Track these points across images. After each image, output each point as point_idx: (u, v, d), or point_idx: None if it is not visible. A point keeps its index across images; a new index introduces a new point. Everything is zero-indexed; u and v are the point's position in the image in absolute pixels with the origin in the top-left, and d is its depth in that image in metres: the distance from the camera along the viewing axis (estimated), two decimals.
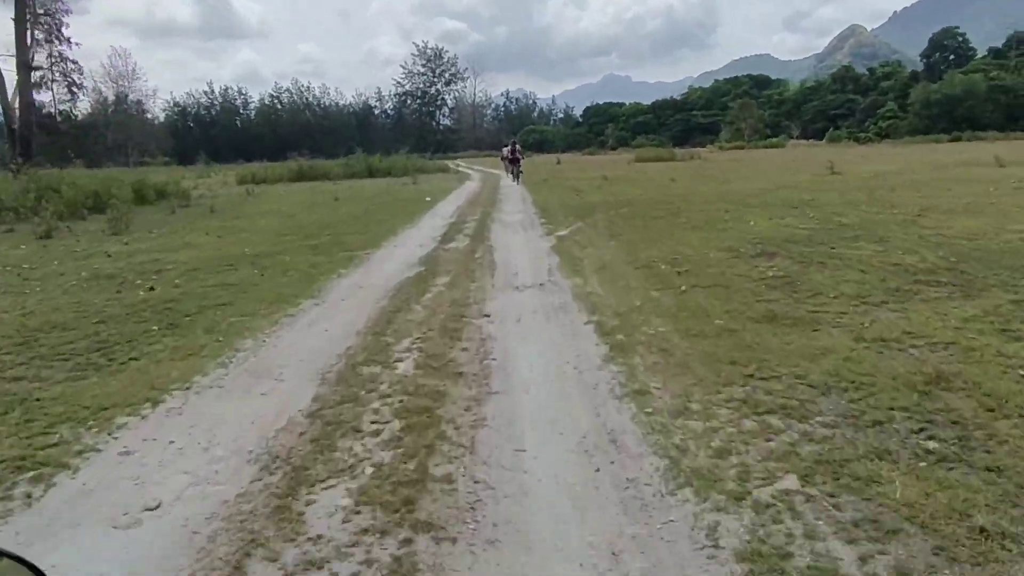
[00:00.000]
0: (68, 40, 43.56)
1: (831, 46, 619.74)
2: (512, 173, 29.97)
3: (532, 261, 9.85)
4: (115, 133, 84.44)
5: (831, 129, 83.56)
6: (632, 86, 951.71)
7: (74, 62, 46.87)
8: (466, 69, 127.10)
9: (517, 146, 31.80)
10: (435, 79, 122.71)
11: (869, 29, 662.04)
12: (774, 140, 75.87)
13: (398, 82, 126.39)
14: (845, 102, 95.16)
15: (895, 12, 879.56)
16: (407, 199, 22.16)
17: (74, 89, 53.70)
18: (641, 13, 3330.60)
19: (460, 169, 51.40)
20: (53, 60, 45.38)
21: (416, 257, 10.50)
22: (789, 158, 42.57)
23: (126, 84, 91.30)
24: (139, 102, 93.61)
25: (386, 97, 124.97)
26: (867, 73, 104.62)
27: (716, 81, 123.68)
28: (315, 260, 10.38)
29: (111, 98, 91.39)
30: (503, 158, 33.07)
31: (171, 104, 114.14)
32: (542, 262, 9.68)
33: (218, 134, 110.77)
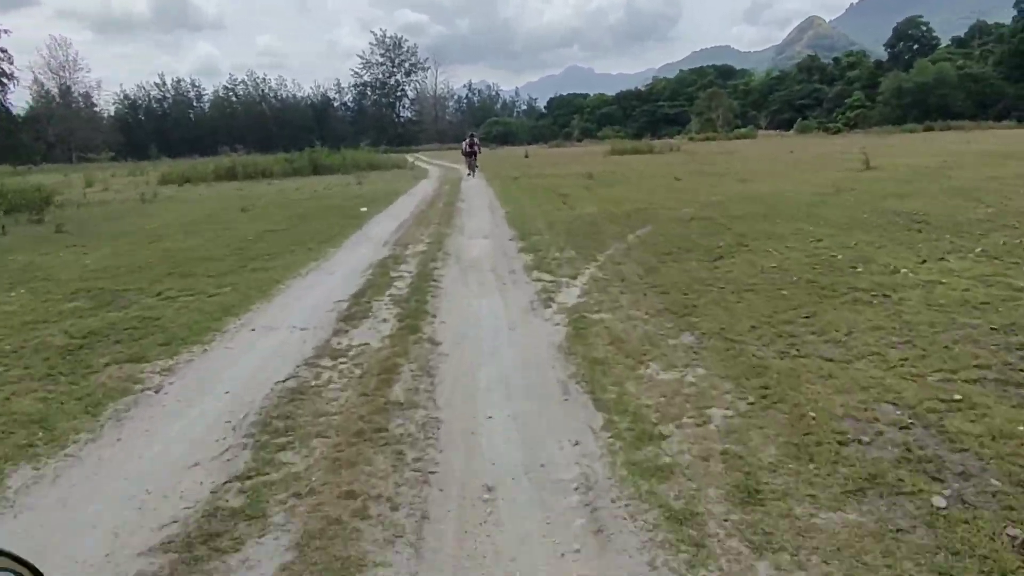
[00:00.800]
0: None
1: (790, 37, 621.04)
2: (468, 167, 28.39)
3: (533, 437, 3.76)
4: (56, 128, 76.26)
5: (800, 119, 79.23)
6: (595, 78, 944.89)
7: (3, 51, 40.33)
8: (427, 59, 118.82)
9: (475, 139, 30.31)
10: (395, 69, 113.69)
11: (827, 20, 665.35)
12: (743, 131, 71.11)
13: (356, 72, 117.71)
14: (812, 92, 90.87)
15: (852, 3, 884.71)
16: (338, 209, 16.06)
17: (3, 80, 46.74)
18: (604, 5, 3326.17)
19: (418, 163, 45.40)
20: None
21: (236, 417, 4.12)
22: (779, 149, 37.47)
23: (67, 75, 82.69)
24: (85, 95, 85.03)
25: (345, 89, 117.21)
26: (832, 63, 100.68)
27: (681, 71, 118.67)
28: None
29: (54, 91, 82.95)
30: (464, 152, 30.55)
31: (120, 97, 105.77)
32: (566, 452, 3.50)
33: (170, 128, 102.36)
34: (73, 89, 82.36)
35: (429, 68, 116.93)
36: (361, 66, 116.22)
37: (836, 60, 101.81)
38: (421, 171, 35.84)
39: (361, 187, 23.22)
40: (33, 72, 75.76)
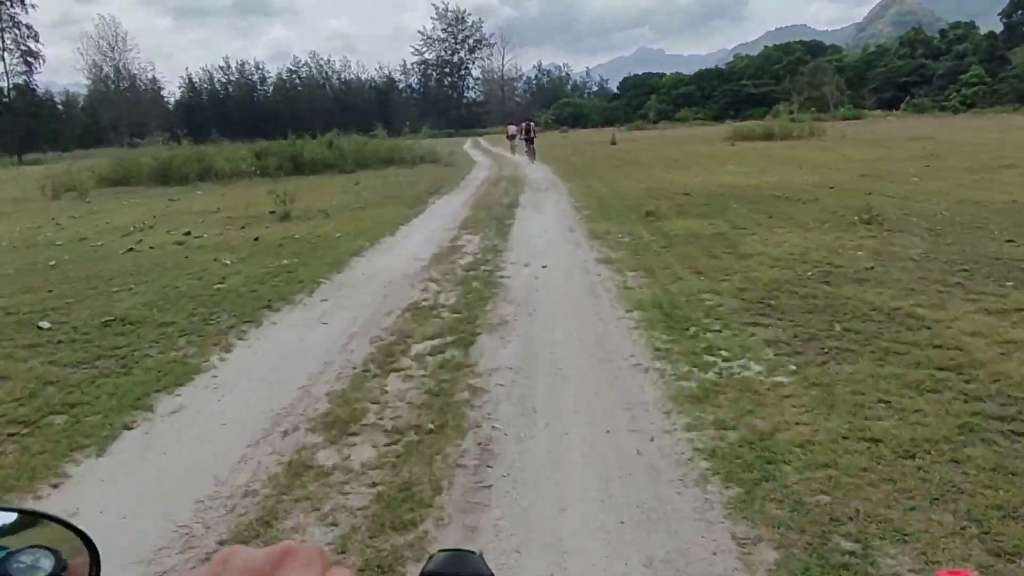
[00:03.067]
0: (22, 2, 33.85)
1: (871, 15, 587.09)
2: (528, 153, 27.75)
3: None
4: (111, 112, 74.20)
5: (908, 98, 70.31)
6: (665, 59, 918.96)
7: (28, 27, 37.16)
8: (492, 34, 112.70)
9: (532, 124, 29.83)
10: (458, 46, 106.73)
11: None
12: (845, 111, 62.79)
13: (416, 50, 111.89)
14: (917, 68, 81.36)
15: None
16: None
17: (29, 59, 43.75)
18: None
19: (472, 151, 39.84)
20: (2, 25, 35.87)
21: None
22: (968, 131, 31.45)
23: (116, 56, 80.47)
24: (152, 79, 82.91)
25: (411, 70, 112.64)
26: (938, 35, 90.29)
27: (765, 47, 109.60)
28: None
29: (110, 73, 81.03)
30: (509, 136, 31.99)
31: (185, 81, 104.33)
32: None
33: (231, 111, 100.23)
34: (122, 70, 79.91)
35: (495, 44, 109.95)
36: (422, 43, 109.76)
37: (943, 32, 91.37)
38: (463, 166, 27.79)
39: (355, 205, 15.10)
40: (80, 52, 73.75)
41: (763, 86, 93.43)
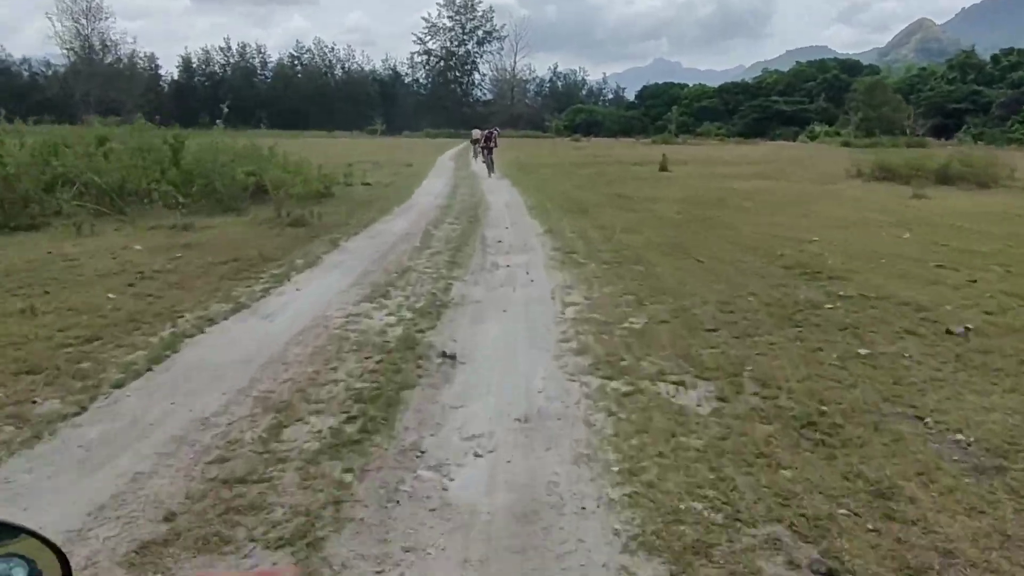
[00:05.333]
0: None
1: (896, 40, 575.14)
2: (486, 162, 26.07)
3: None
4: (83, 85, 66.19)
5: (964, 127, 62.06)
6: (682, 72, 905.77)
7: None
8: (504, 25, 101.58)
9: (495, 132, 28.57)
10: (465, 37, 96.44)
11: (938, 24, 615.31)
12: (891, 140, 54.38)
13: (419, 38, 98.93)
14: (969, 94, 73.00)
15: (964, 7, 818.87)
16: None
17: None
18: None
19: (450, 165, 30.98)
20: None
21: None
22: None
23: (88, 24, 72.29)
24: (106, 48, 74.65)
25: (418, 64, 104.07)
26: (990, 62, 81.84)
27: (797, 63, 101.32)
28: None
29: (94, 43, 72.96)
30: (473, 140, 30.00)
31: (183, 59, 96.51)
32: None
33: (224, 95, 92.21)
34: (95, 40, 71.78)
35: (506, 37, 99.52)
36: (426, 31, 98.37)
37: (995, 59, 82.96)
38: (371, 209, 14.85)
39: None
40: (49, 16, 65.92)
41: (794, 104, 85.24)
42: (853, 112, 58.50)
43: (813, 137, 68.30)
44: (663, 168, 25.44)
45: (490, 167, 25.51)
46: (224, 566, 2.74)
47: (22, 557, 0.63)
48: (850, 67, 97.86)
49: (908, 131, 51.31)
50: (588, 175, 24.35)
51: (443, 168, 29.27)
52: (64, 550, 0.70)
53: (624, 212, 14.12)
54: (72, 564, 0.76)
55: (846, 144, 47.49)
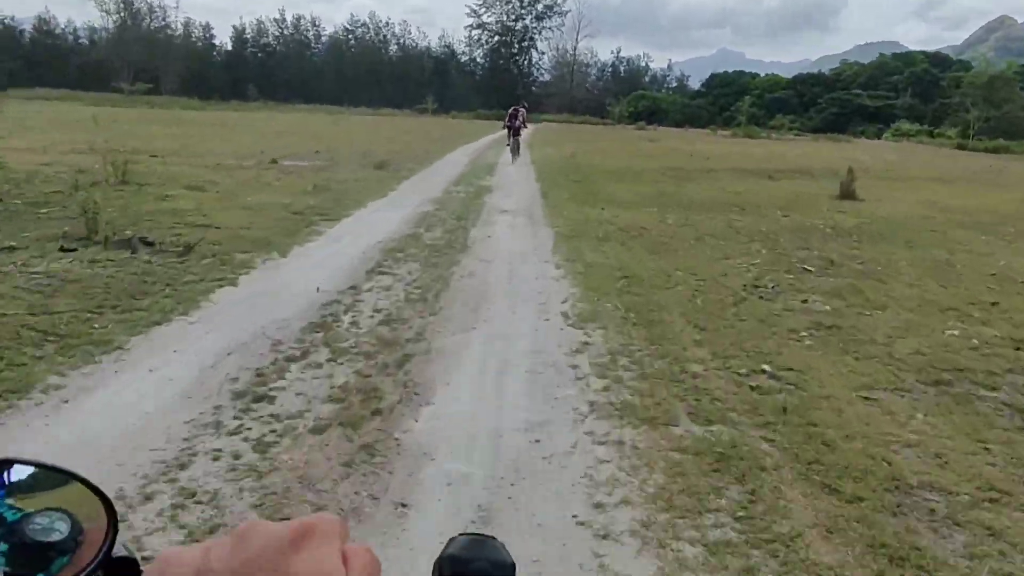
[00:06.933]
0: None
1: (973, 37, 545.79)
2: (509, 145, 23.20)
3: None
4: (124, 52, 63.43)
5: None
6: (746, 63, 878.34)
7: None
8: (564, 0, 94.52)
9: (521, 111, 24.08)
10: (523, 11, 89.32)
11: (1020, 22, 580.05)
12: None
13: (473, 10, 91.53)
14: None
15: None
16: None
17: None
18: None
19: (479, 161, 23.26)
20: None
21: None
22: None
23: None
24: (141, 13, 71.62)
25: (475, 42, 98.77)
26: None
27: (881, 55, 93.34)
28: None
29: (140, 8, 70.25)
30: (506, 126, 24.50)
31: (236, 30, 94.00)
32: None
33: (273, 69, 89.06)
34: (140, 4, 68.79)
35: (568, 12, 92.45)
36: (480, 2, 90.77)
37: None
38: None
39: None
40: None
41: (879, 98, 77.72)
42: (964, 110, 51.23)
43: (899, 135, 61.45)
44: (847, 195, 15.35)
45: (515, 151, 23.03)
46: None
47: (64, 511, 0.58)
48: (940, 61, 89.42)
49: None
50: (722, 221, 11.88)
51: (444, 175, 18.14)
52: None
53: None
54: None
55: (961, 147, 40.87)
